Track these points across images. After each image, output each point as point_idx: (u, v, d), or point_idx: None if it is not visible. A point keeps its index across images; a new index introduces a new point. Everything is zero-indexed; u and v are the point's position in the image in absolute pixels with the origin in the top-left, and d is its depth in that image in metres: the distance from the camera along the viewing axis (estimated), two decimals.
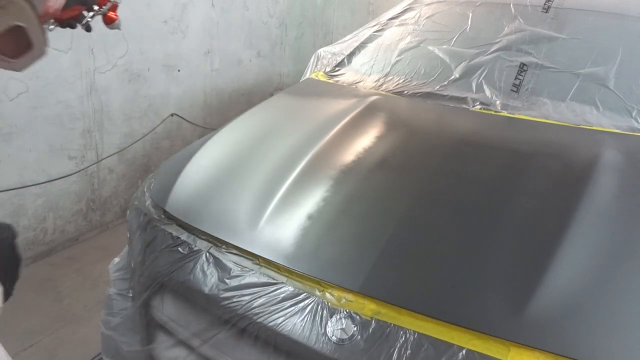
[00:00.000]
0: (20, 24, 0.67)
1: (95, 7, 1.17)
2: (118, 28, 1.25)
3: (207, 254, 1.29)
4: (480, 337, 1.00)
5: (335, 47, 2.36)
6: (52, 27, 1.09)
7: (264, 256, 1.23)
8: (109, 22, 1.25)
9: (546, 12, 2.01)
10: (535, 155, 1.51)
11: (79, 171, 2.80)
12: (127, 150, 3.08)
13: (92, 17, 1.15)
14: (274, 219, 1.32)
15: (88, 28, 1.19)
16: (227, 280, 1.22)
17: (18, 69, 0.73)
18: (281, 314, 1.12)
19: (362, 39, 2.32)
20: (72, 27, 1.14)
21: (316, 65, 2.32)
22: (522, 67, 1.84)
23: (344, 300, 1.12)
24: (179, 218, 1.40)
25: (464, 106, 1.79)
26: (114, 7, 1.23)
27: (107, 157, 2.96)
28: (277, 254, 1.23)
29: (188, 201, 1.45)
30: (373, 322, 1.06)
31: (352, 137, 1.61)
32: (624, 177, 1.37)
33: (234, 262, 1.25)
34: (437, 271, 1.13)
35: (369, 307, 1.09)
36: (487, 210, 1.28)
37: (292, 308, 1.13)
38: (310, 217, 1.30)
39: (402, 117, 1.83)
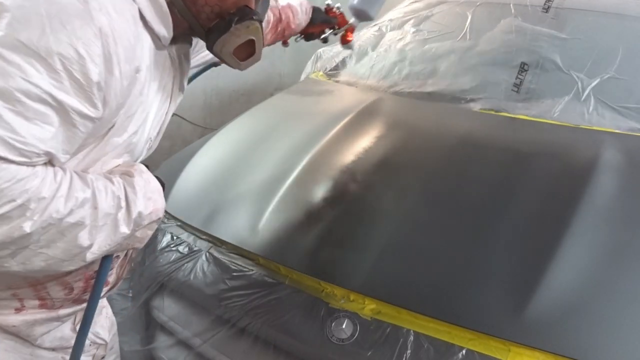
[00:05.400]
0: (253, 37, 0.89)
1: (336, 27, 1.42)
2: (351, 49, 1.45)
3: (207, 254, 1.29)
4: (480, 337, 1.00)
5: (335, 47, 2.35)
6: (298, 39, 1.44)
7: (264, 256, 1.23)
8: (345, 42, 1.46)
9: (546, 12, 2.01)
10: (536, 155, 1.51)
11: None
12: None
13: (331, 34, 1.40)
14: (274, 219, 1.32)
15: (325, 40, 1.46)
16: (227, 280, 1.22)
17: (242, 69, 0.95)
18: (281, 313, 1.12)
19: (362, 38, 2.32)
20: (312, 39, 1.45)
21: (316, 65, 2.32)
22: (523, 67, 1.83)
23: (343, 300, 1.12)
24: (179, 218, 1.40)
25: (465, 106, 1.79)
26: (351, 29, 1.43)
27: None
28: (277, 254, 1.23)
29: (188, 201, 1.45)
30: (373, 322, 1.06)
31: (352, 137, 1.61)
32: (624, 178, 1.37)
33: (234, 262, 1.25)
34: (437, 271, 1.13)
35: (369, 307, 1.09)
36: (487, 210, 1.28)
37: (292, 308, 1.13)
38: (310, 217, 1.30)
39: (402, 117, 1.83)
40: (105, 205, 0.74)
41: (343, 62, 2.28)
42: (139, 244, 0.86)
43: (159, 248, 1.36)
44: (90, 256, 0.75)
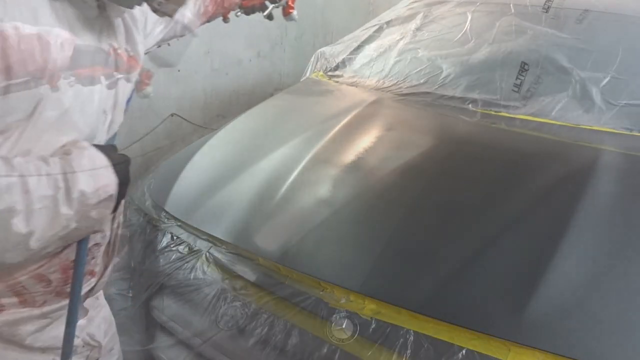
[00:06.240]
0: None
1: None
2: (294, 20, 1.39)
3: (207, 254, 1.29)
4: (480, 337, 1.00)
5: (335, 47, 2.36)
6: (239, 13, 1.34)
7: (264, 256, 1.23)
8: (287, 14, 1.40)
9: (546, 12, 2.01)
10: (536, 155, 1.51)
11: None
12: (126, 150, 3.07)
13: (273, 7, 1.32)
14: (274, 219, 1.32)
15: (270, 17, 1.37)
16: (227, 280, 1.22)
17: (170, 13, 0.86)
18: (281, 313, 1.12)
19: (362, 39, 2.32)
20: (252, 13, 1.35)
21: (316, 65, 2.32)
22: (523, 67, 1.83)
23: (344, 300, 1.12)
24: (179, 218, 1.40)
25: (465, 106, 1.79)
26: (292, 0, 1.38)
27: None
28: (277, 254, 1.22)
29: (188, 201, 1.45)
30: (373, 322, 1.06)
31: (352, 137, 1.61)
32: (624, 178, 1.37)
33: (234, 262, 1.25)
34: (437, 271, 1.13)
35: (369, 307, 1.09)
36: (487, 210, 1.28)
37: (292, 308, 1.12)
38: (310, 217, 1.30)
39: (402, 118, 1.83)
40: (38, 188, 0.68)
41: (343, 62, 2.28)
42: (99, 225, 0.78)
43: (159, 248, 1.36)
44: (35, 243, 0.69)
